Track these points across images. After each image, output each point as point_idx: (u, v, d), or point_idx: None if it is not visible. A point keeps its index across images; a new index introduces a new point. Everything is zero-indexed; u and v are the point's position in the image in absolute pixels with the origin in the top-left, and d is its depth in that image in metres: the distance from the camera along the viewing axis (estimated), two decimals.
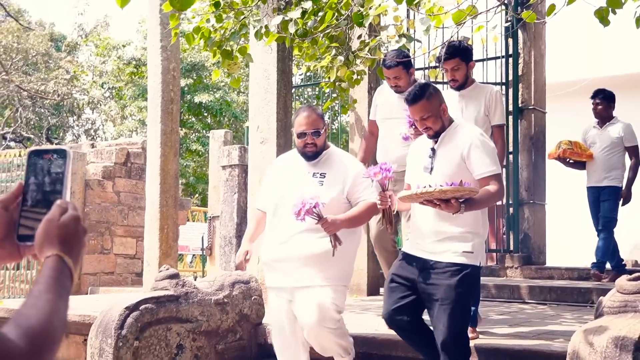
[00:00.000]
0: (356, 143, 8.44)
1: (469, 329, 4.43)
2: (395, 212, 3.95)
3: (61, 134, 26.63)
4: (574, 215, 7.29)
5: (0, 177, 12.44)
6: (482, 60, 8.74)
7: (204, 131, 21.82)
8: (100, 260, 11.63)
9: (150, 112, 8.09)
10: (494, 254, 8.69)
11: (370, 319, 5.36)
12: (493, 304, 6.87)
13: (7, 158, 12.83)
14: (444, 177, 3.66)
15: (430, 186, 3.48)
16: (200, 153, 22.07)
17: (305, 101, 12.59)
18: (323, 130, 4.16)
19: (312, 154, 4.15)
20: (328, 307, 3.98)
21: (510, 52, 8.65)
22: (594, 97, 7.54)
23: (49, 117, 24.79)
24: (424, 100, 3.74)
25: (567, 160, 7.62)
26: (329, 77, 6.87)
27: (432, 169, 3.77)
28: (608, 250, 7.32)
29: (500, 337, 4.69)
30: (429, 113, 3.74)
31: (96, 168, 11.89)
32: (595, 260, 7.41)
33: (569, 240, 7.40)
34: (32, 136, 23.92)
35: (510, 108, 8.52)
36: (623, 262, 7.59)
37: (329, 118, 13.40)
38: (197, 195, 22.85)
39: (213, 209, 11.54)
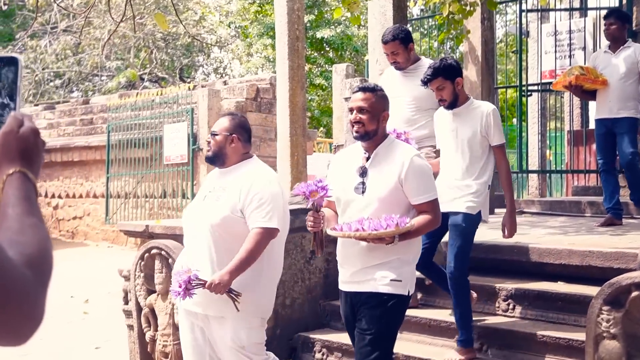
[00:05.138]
0: (470, 70, 8.90)
1: (459, 349, 4.43)
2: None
3: (192, 73, 28.07)
4: None
5: (145, 115, 13.64)
6: None
7: (327, 65, 22.45)
8: None
9: (278, 50, 8.84)
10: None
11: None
12: (602, 218, 7.28)
13: (150, 97, 13.99)
14: (378, 200, 3.47)
15: (363, 229, 3.30)
16: (324, 87, 22.76)
17: (424, 32, 12.99)
18: (226, 136, 3.81)
19: (209, 156, 3.87)
20: (243, 345, 3.70)
21: None
22: (607, 17, 6.80)
23: (181, 58, 26.16)
24: (370, 93, 3.54)
25: (580, 88, 6.69)
26: (442, 12, 7.36)
27: (364, 190, 3.52)
28: None
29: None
30: (369, 108, 3.51)
31: (229, 103, 12.81)
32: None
33: None
34: (166, 76, 25.35)
35: None
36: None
37: (449, 48, 13.79)
38: (321, 127, 23.66)
39: (337, 138, 12.26)
